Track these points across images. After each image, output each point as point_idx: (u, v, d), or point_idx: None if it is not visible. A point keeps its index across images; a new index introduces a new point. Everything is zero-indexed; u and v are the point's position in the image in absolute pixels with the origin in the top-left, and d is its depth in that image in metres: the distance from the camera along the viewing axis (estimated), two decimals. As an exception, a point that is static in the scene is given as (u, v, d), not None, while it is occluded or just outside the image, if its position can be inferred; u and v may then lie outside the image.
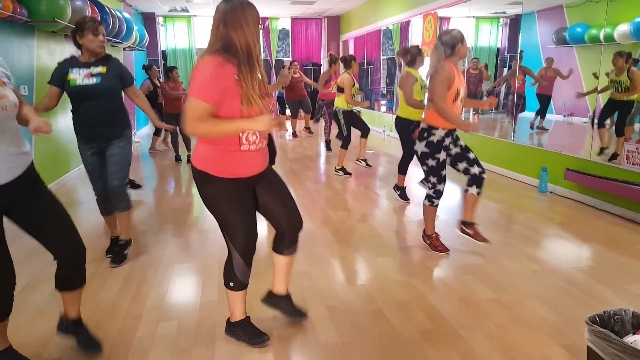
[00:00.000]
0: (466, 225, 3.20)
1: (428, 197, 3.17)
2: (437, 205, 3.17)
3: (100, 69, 2.87)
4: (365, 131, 5.81)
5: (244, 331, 2.11)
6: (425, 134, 3.05)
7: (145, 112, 3.17)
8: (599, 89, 4.82)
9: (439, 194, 3.14)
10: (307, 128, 9.44)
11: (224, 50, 1.77)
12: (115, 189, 2.98)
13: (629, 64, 4.55)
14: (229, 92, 1.74)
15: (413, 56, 4.32)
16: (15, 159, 1.73)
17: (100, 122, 2.90)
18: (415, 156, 3.26)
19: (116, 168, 2.96)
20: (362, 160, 6.14)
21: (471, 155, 3.08)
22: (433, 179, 3.11)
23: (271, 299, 2.27)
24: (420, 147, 3.10)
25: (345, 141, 5.64)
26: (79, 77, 2.82)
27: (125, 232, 3.16)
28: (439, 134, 3.01)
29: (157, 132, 7.82)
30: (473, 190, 3.08)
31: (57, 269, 1.92)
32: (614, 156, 4.49)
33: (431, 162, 3.06)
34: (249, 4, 1.81)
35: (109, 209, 3.11)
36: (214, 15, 1.83)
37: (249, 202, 1.97)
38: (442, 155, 3.05)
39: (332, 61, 6.67)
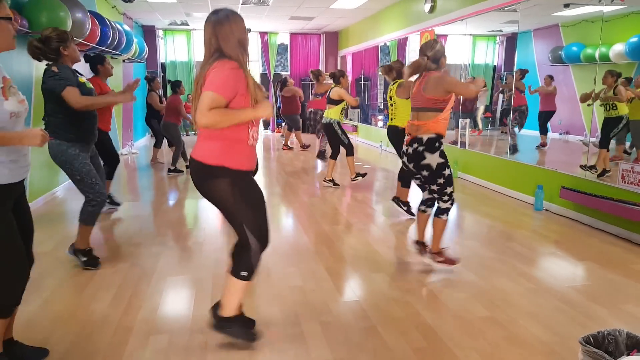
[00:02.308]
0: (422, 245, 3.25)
1: (446, 210, 3.07)
2: None
3: (84, 77, 3.01)
4: (336, 153, 5.84)
5: (241, 326, 2.15)
6: (437, 144, 2.96)
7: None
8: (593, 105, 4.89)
9: (454, 203, 3.10)
10: (285, 144, 9.42)
11: (224, 58, 1.91)
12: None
13: (617, 82, 4.64)
14: (242, 91, 1.91)
15: (398, 71, 4.45)
16: (26, 161, 1.87)
17: (96, 126, 3.09)
18: (424, 172, 3.01)
19: (101, 175, 3.17)
20: (329, 180, 5.85)
21: None
22: (450, 189, 3.03)
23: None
24: (434, 159, 2.95)
25: (349, 148, 5.70)
26: (85, 79, 2.93)
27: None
28: (443, 142, 3.01)
29: (157, 144, 7.81)
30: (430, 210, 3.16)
31: None
32: (603, 172, 4.52)
33: (447, 171, 2.99)
34: (234, 14, 1.96)
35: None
36: (205, 26, 1.97)
37: (260, 192, 2.10)
38: None
39: (318, 74, 7.01)
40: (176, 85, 6.81)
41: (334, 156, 5.81)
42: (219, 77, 1.86)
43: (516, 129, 6.27)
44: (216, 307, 2.17)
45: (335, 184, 5.77)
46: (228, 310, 2.12)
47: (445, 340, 2.26)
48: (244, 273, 2.05)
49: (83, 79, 3.06)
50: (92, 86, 3.19)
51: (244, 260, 2.06)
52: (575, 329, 2.36)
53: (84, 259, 3.10)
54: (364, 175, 5.84)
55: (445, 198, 3.06)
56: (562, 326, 2.40)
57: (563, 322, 2.45)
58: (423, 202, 3.25)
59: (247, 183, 2.04)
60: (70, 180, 3.09)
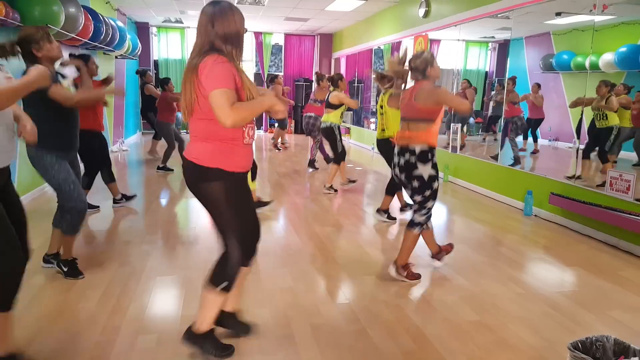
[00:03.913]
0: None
1: (419, 225, 2.98)
2: None
3: (66, 82, 2.87)
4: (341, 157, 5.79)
5: (213, 343, 2.05)
6: (429, 155, 2.90)
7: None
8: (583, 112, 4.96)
9: (430, 218, 3.05)
10: (282, 143, 9.54)
11: (217, 51, 1.82)
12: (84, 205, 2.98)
13: (611, 93, 4.70)
14: (239, 85, 1.82)
15: (391, 79, 4.43)
16: (9, 149, 1.83)
17: (77, 133, 2.94)
18: (414, 182, 2.94)
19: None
20: (330, 186, 5.79)
21: None
22: (430, 204, 2.96)
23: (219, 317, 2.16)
24: (426, 170, 2.88)
25: (342, 155, 5.67)
26: (66, 85, 2.80)
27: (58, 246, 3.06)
28: (435, 153, 2.95)
29: (156, 136, 7.79)
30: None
31: None
32: (578, 177, 4.58)
33: (435, 185, 2.93)
34: (235, 8, 1.89)
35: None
36: (201, 16, 1.87)
37: (252, 202, 2.08)
38: None
39: (320, 78, 6.96)
40: (164, 82, 6.78)
41: (337, 161, 5.68)
42: (217, 71, 1.76)
43: (518, 139, 6.26)
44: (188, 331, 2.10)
45: (335, 190, 5.62)
46: (201, 325, 2.02)
47: (434, 344, 2.26)
48: (223, 284, 1.95)
49: (65, 84, 2.81)
50: (74, 90, 2.97)
51: (224, 271, 1.97)
52: (563, 334, 2.38)
53: (66, 268, 2.93)
54: (335, 190, 5.64)
55: (424, 212, 2.97)
56: (550, 331, 2.43)
57: (551, 327, 2.47)
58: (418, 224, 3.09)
59: (241, 189, 1.98)
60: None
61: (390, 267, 3.06)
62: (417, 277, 3.05)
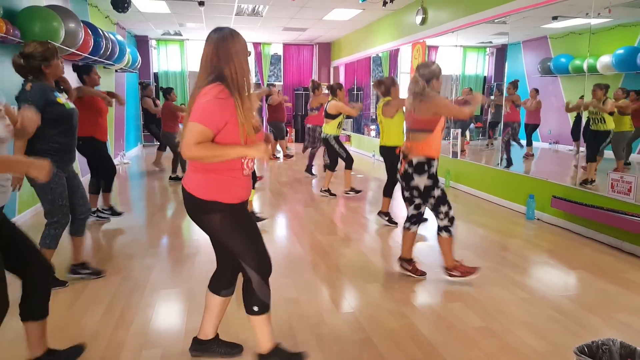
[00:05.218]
0: (406, 261, 3.24)
1: (444, 228, 3.04)
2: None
3: (64, 95, 2.92)
4: (334, 165, 5.91)
5: (282, 356, 2.05)
6: (425, 167, 2.99)
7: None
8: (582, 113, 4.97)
9: (453, 221, 3.07)
10: (285, 153, 9.45)
11: (220, 80, 1.78)
12: (89, 212, 3.15)
13: (606, 95, 4.72)
14: (232, 120, 1.78)
15: (387, 87, 4.49)
16: (5, 189, 1.81)
17: (74, 145, 2.99)
18: (414, 192, 3.08)
19: (83, 191, 3.11)
20: (325, 190, 5.89)
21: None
22: (444, 208, 3.02)
23: (199, 345, 2.17)
24: (422, 181, 3.00)
25: (349, 161, 5.77)
26: (64, 100, 2.82)
27: (82, 253, 3.22)
28: (435, 164, 3.02)
29: (160, 147, 7.90)
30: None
31: (23, 296, 1.91)
32: (586, 181, 4.57)
33: (437, 192, 3.02)
34: (237, 34, 1.85)
35: (80, 228, 3.15)
36: (205, 44, 1.84)
37: (253, 221, 2.04)
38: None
39: (315, 87, 7.05)
40: (167, 92, 6.89)
41: (332, 168, 5.89)
42: (203, 106, 1.73)
43: (512, 142, 6.31)
44: (199, 341, 2.14)
45: (332, 194, 5.81)
46: (263, 346, 2.03)
47: (440, 351, 2.25)
48: (255, 308, 1.96)
49: (62, 100, 2.82)
50: (72, 106, 2.94)
51: (250, 296, 1.97)
52: (569, 338, 2.37)
53: (87, 271, 3.15)
54: (358, 192, 5.87)
55: (441, 216, 3.05)
56: (556, 335, 2.41)
57: (557, 331, 2.46)
58: (407, 219, 3.23)
59: (240, 214, 1.94)
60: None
61: (443, 272, 3.18)
62: (473, 270, 3.10)
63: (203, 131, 1.73)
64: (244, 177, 1.91)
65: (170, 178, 6.86)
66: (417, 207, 3.16)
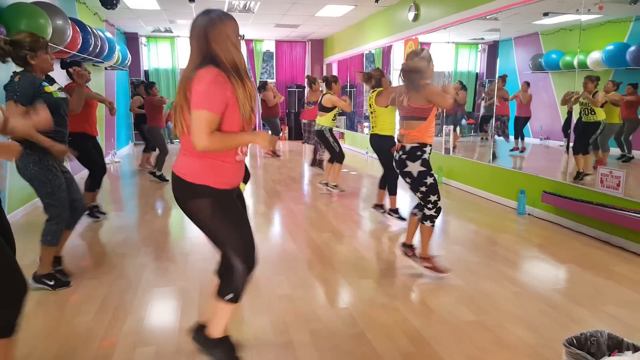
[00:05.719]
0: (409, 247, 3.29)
1: (430, 217, 3.07)
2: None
3: (55, 86, 2.88)
4: (338, 156, 5.85)
5: (224, 351, 2.04)
6: (419, 153, 3.01)
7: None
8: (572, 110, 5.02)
9: (439, 212, 3.10)
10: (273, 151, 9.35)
11: (214, 64, 1.75)
12: (85, 207, 3.19)
13: (597, 88, 4.78)
14: (230, 102, 1.75)
15: (377, 79, 4.51)
16: None
17: (67, 137, 2.95)
18: (407, 179, 3.11)
19: (77, 185, 3.11)
20: (326, 183, 5.92)
21: None
22: (434, 197, 3.05)
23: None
24: (415, 167, 3.01)
25: (340, 156, 5.73)
26: (53, 89, 2.79)
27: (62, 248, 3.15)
28: (428, 150, 3.04)
29: (146, 149, 7.69)
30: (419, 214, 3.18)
31: None
32: (578, 175, 4.62)
33: (430, 180, 3.03)
34: (227, 16, 1.81)
35: (72, 222, 3.12)
36: (192, 28, 1.80)
37: (242, 209, 2.01)
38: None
39: (312, 82, 7.01)
40: (149, 87, 6.71)
41: (332, 160, 5.85)
42: (211, 92, 1.69)
43: (497, 137, 6.38)
44: (199, 329, 2.09)
45: (342, 190, 5.75)
46: (215, 331, 2.01)
47: (433, 345, 2.27)
48: (229, 296, 1.92)
49: (50, 89, 2.79)
50: (64, 95, 2.93)
51: (228, 283, 1.94)
52: (559, 331, 2.40)
53: (52, 282, 2.90)
54: (342, 190, 5.75)
55: (430, 206, 3.07)
56: (546, 328, 2.45)
57: (548, 324, 2.49)
58: (416, 206, 3.26)
59: (230, 201, 1.91)
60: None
61: (415, 259, 3.21)
62: (443, 270, 3.11)
63: (211, 118, 1.70)
64: (236, 163, 1.88)
65: (154, 175, 6.52)
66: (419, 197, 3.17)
